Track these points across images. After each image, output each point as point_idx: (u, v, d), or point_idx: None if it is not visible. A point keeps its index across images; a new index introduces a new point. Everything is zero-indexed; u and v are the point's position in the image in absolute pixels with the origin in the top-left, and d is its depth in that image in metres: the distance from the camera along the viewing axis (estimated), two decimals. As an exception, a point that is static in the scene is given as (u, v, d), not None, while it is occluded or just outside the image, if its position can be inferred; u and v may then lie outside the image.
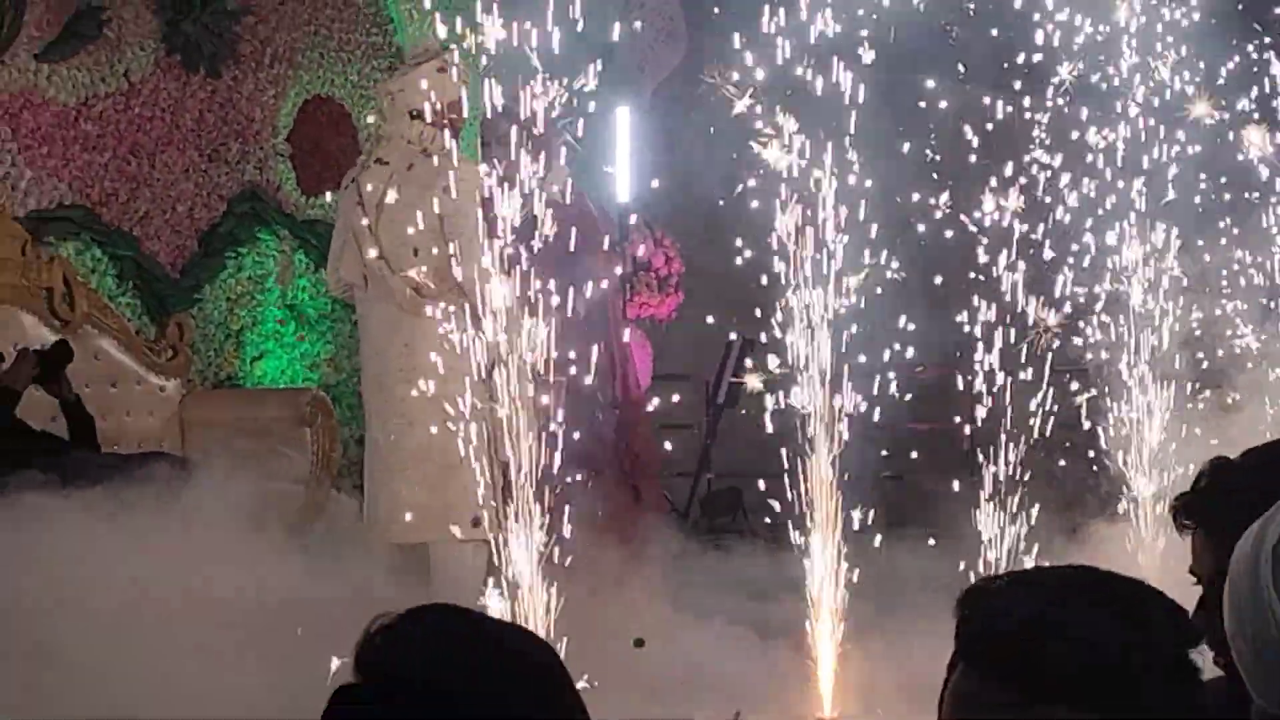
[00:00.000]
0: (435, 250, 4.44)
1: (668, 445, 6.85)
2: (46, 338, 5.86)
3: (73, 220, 6.25)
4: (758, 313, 4.77)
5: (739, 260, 5.55)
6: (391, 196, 4.74)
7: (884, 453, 5.53)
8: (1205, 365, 5.45)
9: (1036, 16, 5.40)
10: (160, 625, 3.96)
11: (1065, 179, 5.26)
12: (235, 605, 4.22)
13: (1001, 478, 4.44)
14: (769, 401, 4.61)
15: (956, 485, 4.94)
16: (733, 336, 7.04)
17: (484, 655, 1.05)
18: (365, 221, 4.92)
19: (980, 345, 4.65)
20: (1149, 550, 4.83)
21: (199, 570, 4.30)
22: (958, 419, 5.14)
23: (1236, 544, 1.34)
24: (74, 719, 3.54)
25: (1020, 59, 5.65)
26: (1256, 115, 5.72)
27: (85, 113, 6.32)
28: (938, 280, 5.74)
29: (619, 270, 6.06)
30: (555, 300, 4.08)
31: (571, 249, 4.39)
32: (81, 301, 6.02)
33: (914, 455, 6.15)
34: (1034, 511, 4.45)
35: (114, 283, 6.38)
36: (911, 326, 5.04)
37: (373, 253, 4.79)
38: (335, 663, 2.69)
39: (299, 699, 3.45)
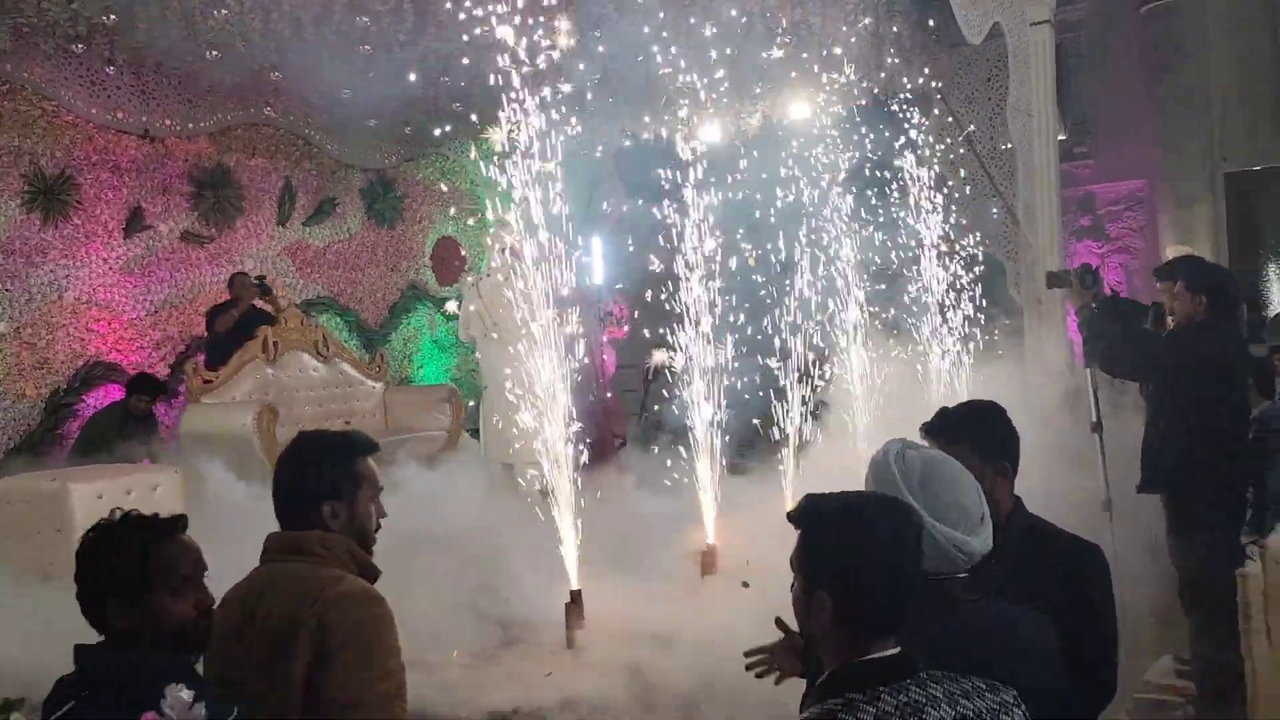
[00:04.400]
0: (514, 317, 5.25)
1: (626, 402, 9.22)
2: (317, 366, 8.25)
3: (324, 304, 9.27)
4: (666, 335, 5.84)
5: (658, 311, 6.21)
6: (498, 294, 7.22)
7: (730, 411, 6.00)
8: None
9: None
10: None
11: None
12: (425, 488, 6.30)
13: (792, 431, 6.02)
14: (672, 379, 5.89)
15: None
16: (654, 352, 8.75)
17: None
18: (481, 304, 7.79)
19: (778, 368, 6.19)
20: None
21: (411, 471, 6.74)
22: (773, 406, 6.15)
23: (874, 456, 1.79)
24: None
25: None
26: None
27: (328, 250, 9.38)
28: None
29: (600, 313, 8.89)
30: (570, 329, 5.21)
31: (576, 304, 5.71)
32: (332, 345, 8.56)
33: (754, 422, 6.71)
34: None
35: (347, 334, 9.30)
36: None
37: (488, 321, 7.69)
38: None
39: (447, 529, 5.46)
